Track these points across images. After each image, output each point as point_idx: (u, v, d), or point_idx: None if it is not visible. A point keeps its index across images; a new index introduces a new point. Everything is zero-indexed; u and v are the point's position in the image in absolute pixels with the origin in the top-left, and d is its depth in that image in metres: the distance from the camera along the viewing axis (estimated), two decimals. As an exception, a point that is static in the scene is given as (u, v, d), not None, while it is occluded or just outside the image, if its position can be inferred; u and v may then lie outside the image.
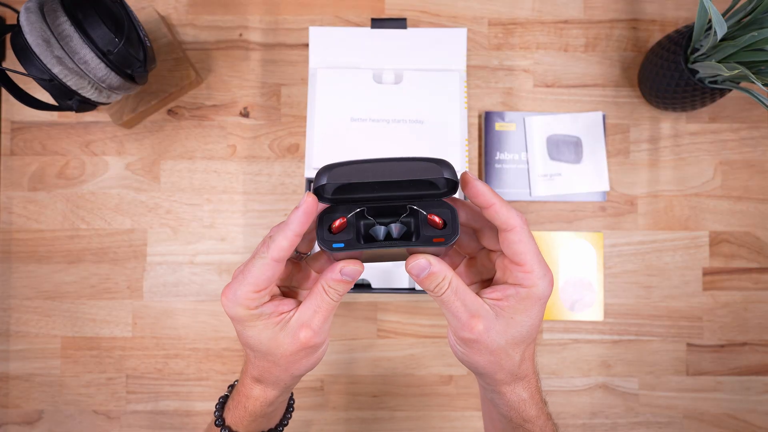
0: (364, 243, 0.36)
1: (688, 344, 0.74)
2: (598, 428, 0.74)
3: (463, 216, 0.39)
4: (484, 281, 0.41)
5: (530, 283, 0.36)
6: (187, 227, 0.74)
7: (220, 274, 0.73)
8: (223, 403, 0.46)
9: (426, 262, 0.35)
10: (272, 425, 0.47)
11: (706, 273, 0.74)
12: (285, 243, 0.35)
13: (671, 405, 0.74)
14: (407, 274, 0.66)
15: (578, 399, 0.74)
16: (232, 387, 0.47)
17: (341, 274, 0.36)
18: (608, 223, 0.75)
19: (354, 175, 0.34)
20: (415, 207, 0.36)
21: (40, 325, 0.73)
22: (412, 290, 0.66)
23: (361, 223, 0.37)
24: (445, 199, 0.37)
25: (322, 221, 0.36)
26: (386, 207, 0.36)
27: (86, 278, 0.73)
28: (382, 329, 0.74)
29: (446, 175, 0.34)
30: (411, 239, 0.36)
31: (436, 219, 0.35)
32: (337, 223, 0.36)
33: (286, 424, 0.49)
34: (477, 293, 0.37)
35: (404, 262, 0.37)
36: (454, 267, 0.42)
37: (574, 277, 0.73)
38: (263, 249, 0.36)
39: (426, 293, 0.66)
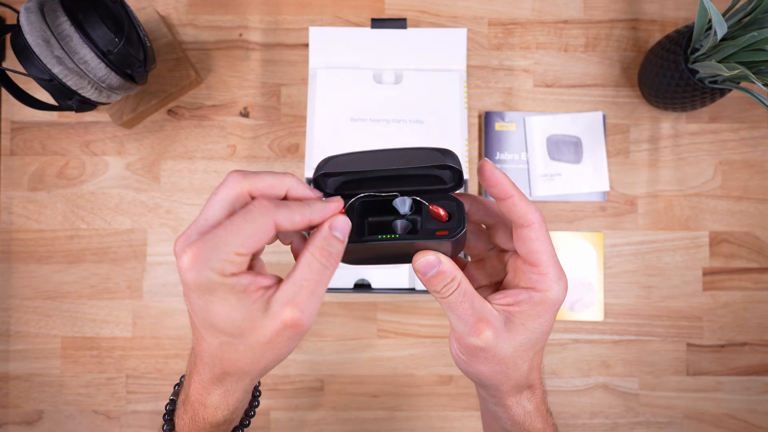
0: (364, 237, 0.35)
1: (688, 344, 0.74)
2: (598, 428, 0.74)
3: (474, 212, 0.37)
4: (492, 285, 0.39)
5: (544, 286, 0.34)
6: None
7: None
8: (171, 410, 0.38)
9: (435, 259, 0.33)
10: (236, 423, 0.40)
11: (706, 273, 0.74)
12: (298, 219, 0.31)
13: (671, 405, 0.74)
14: (407, 274, 0.67)
15: (578, 399, 0.74)
16: (178, 386, 0.39)
17: (331, 229, 0.32)
18: (608, 223, 0.75)
19: (351, 165, 0.32)
20: (417, 198, 0.34)
21: (40, 325, 0.73)
22: (412, 290, 0.66)
23: (365, 220, 0.35)
24: (453, 194, 0.35)
25: None
26: (389, 202, 0.35)
27: (86, 278, 0.73)
28: (382, 329, 0.73)
29: (449, 162, 0.32)
30: (414, 234, 0.34)
31: (440, 211, 0.33)
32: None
33: (252, 415, 0.41)
34: (485, 298, 0.35)
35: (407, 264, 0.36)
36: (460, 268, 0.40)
37: (574, 277, 0.73)
38: (263, 205, 0.30)
39: (427, 293, 0.66)
